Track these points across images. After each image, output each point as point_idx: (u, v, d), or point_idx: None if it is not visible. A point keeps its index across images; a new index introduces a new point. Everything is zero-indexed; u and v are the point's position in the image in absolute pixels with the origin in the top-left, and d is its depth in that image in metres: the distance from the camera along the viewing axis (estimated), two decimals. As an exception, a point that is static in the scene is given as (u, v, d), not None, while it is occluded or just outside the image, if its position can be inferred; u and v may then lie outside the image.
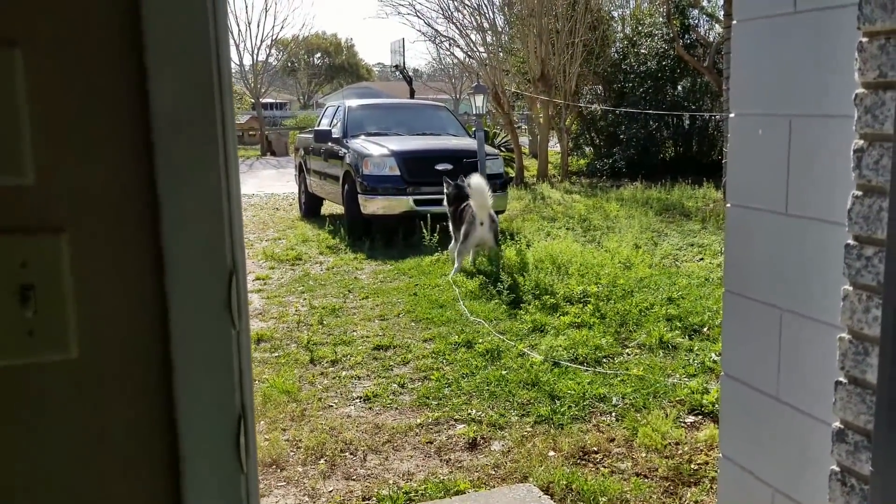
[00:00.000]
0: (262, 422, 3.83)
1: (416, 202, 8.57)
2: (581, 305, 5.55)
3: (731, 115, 1.82)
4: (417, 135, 10.14)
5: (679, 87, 17.08)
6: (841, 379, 1.44)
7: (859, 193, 1.39)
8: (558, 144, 18.01)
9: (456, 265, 6.88)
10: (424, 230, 8.10)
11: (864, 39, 1.37)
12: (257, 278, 7.25)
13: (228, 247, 0.81)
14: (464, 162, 8.67)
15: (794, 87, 1.62)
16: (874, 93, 1.36)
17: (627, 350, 4.67)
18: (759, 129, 1.74)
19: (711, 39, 15.48)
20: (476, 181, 6.97)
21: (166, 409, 0.83)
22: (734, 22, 1.79)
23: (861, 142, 1.38)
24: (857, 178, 1.39)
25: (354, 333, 5.26)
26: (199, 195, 0.79)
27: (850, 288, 1.42)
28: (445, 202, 7.57)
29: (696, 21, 16.75)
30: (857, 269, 1.40)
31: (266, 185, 17.55)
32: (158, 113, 0.78)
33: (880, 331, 1.33)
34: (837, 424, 1.45)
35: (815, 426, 1.61)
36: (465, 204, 7.17)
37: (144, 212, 0.80)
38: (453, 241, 7.25)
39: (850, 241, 1.41)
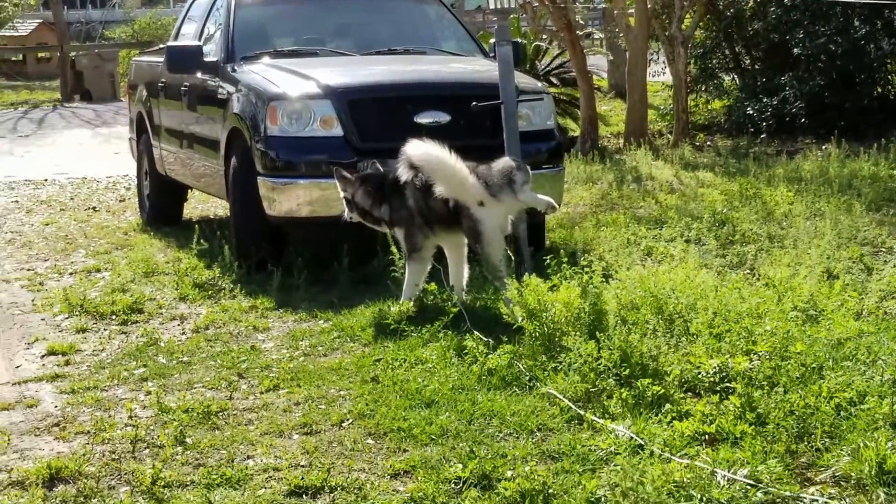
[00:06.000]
0: None
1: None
2: (717, 398, 5.54)
3: None
4: (377, 54, 10.23)
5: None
6: None
7: None
8: (667, 70, 18.05)
9: (407, 292, 7.75)
10: (394, 246, 8.10)
11: None
12: (50, 352, 7.22)
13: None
14: (473, 108, 8.67)
15: None
16: None
17: (814, 489, 4.66)
18: None
19: None
20: (417, 150, 7.37)
21: None
22: None
23: None
24: None
25: (250, 463, 5.25)
26: None
27: None
28: (356, 211, 7.88)
29: None
30: None
31: (73, 160, 17.55)
32: None
33: None
34: None
35: None
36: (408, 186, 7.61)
37: None
38: (407, 263, 7.77)
39: None
